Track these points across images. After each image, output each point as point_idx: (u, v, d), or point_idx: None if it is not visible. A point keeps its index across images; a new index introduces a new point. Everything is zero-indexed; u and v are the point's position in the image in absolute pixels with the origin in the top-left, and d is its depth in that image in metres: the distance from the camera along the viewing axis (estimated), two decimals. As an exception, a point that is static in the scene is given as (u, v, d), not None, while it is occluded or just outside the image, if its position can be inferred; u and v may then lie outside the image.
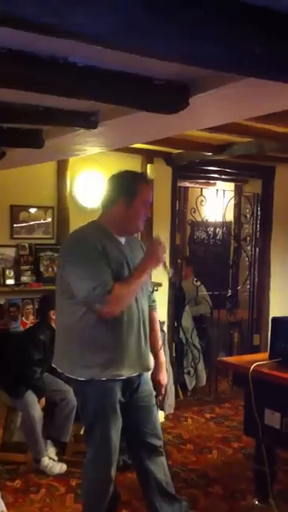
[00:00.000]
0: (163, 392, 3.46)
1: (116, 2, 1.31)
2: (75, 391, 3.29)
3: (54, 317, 4.58)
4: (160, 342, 3.48)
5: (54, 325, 4.65)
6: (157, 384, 3.40)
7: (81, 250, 3.02)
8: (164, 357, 3.45)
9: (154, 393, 3.38)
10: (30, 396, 4.57)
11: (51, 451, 4.64)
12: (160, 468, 3.40)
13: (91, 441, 3.17)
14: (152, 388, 3.35)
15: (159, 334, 3.50)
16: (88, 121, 2.71)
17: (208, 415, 6.02)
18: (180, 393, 6.34)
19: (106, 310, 2.90)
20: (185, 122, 2.78)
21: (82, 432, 4.90)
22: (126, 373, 3.08)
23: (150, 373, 3.33)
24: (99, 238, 3.04)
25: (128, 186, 3.08)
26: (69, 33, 1.31)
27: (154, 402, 3.36)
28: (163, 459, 3.46)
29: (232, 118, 3.02)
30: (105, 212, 3.20)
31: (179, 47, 1.42)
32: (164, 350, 3.34)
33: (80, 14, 1.28)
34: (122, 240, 3.16)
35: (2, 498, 3.69)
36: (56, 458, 4.62)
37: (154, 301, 3.48)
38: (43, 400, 4.64)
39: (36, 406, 4.54)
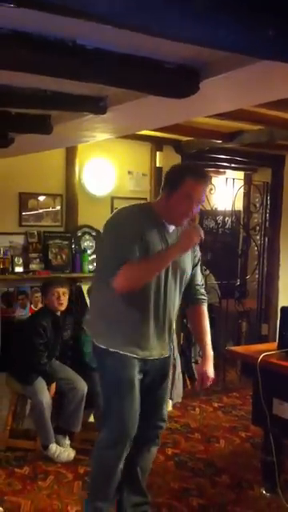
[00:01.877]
0: (208, 384, 3.41)
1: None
2: (96, 360, 3.28)
3: (46, 302, 4.81)
4: (208, 336, 3.43)
5: (60, 308, 4.80)
6: (203, 376, 3.36)
7: (119, 224, 3.07)
8: (211, 351, 3.39)
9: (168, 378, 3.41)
10: (40, 383, 4.60)
11: (64, 443, 4.65)
12: (148, 458, 3.47)
13: (108, 414, 3.19)
14: (168, 372, 3.37)
15: (207, 328, 3.45)
16: (97, 106, 2.67)
17: (216, 404, 6.02)
18: (188, 382, 6.33)
19: (114, 285, 2.94)
20: (195, 108, 2.75)
21: (90, 419, 4.96)
22: (141, 354, 3.11)
23: (169, 357, 3.33)
24: (142, 219, 3.06)
25: (172, 179, 3.07)
26: (76, 11, 1.28)
27: (167, 385, 3.40)
28: (155, 450, 3.52)
29: (243, 103, 2.98)
30: (158, 198, 3.21)
31: (191, 28, 1.38)
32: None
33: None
34: (171, 228, 3.14)
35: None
36: (73, 453, 4.61)
37: (202, 294, 3.46)
38: (53, 386, 4.66)
39: (45, 392, 4.56)
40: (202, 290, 3.46)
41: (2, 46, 1.80)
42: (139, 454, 3.37)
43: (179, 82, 2.18)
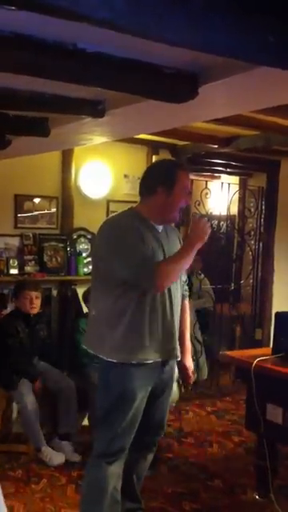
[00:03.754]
0: (191, 375, 3.48)
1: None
2: (100, 372, 3.24)
3: (15, 304, 4.86)
4: (188, 330, 3.48)
5: (32, 312, 4.81)
6: (183, 369, 3.43)
7: (120, 234, 3.03)
8: (190, 345, 3.48)
9: (174, 382, 3.41)
10: (23, 385, 4.60)
11: (66, 449, 4.63)
12: (145, 465, 3.47)
13: (105, 427, 3.12)
14: (172, 378, 3.35)
15: (188, 321, 3.50)
16: (95, 109, 2.67)
17: (209, 409, 6.02)
18: (182, 387, 6.31)
19: (158, 283, 2.93)
20: (193, 112, 2.75)
21: (84, 422, 4.95)
22: (152, 357, 3.08)
23: (174, 362, 3.32)
24: (135, 225, 3.05)
25: (167, 175, 3.07)
26: (78, 16, 1.28)
27: (170, 392, 3.38)
28: (151, 457, 3.51)
29: (242, 108, 2.99)
30: (143, 201, 3.18)
31: (191, 33, 1.39)
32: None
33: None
34: (159, 228, 3.16)
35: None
36: (77, 457, 4.59)
37: (186, 290, 3.49)
38: (38, 383, 4.64)
39: (30, 396, 4.55)
40: (186, 286, 3.48)
41: (3, 49, 1.79)
42: (136, 461, 3.36)
43: (178, 86, 2.18)
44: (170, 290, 3.13)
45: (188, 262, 3.05)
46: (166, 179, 3.05)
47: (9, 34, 1.81)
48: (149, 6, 1.32)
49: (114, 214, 3.25)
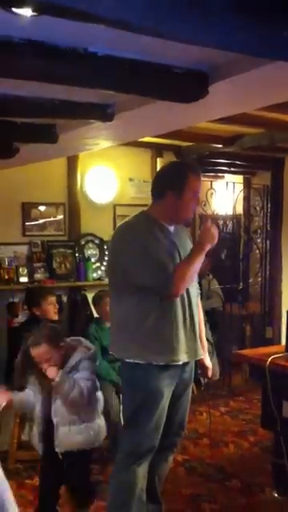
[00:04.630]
0: (209, 374, 3.49)
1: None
2: (124, 376, 3.25)
3: (37, 313, 4.62)
4: (203, 327, 3.48)
5: (55, 317, 4.70)
6: (202, 367, 3.43)
7: (137, 240, 3.03)
8: (206, 342, 3.50)
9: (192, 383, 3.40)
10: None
11: None
12: (166, 466, 3.46)
13: (133, 428, 3.12)
14: (191, 378, 3.35)
15: (202, 320, 3.49)
16: (104, 113, 2.68)
17: (223, 409, 5.99)
18: (194, 387, 6.31)
19: (174, 290, 2.96)
20: (203, 111, 2.75)
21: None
22: (181, 358, 3.10)
23: (193, 362, 3.31)
24: (150, 228, 3.07)
25: (177, 178, 3.07)
26: (96, 17, 1.29)
27: (190, 392, 3.38)
28: (172, 458, 3.52)
29: (251, 105, 2.98)
30: (154, 203, 3.19)
31: (207, 32, 1.39)
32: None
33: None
34: (171, 229, 3.17)
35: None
36: None
37: (197, 288, 3.48)
38: None
39: None
40: (196, 284, 3.48)
41: (16, 56, 1.80)
42: (158, 463, 3.34)
43: (188, 86, 2.19)
44: (188, 291, 3.15)
45: (199, 264, 3.08)
46: (175, 182, 3.06)
47: (20, 41, 1.82)
48: (165, 6, 1.33)
49: (127, 219, 3.24)
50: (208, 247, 3.06)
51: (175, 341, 3.06)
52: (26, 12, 1.37)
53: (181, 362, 3.09)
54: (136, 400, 3.08)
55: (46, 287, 5.02)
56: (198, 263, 3.06)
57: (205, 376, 3.51)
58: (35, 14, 1.32)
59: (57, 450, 3.34)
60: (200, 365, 3.45)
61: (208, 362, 3.47)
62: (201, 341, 3.41)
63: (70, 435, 3.32)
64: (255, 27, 1.44)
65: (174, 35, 1.37)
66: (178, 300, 3.08)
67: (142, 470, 3.15)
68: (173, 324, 3.06)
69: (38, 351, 3.29)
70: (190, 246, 3.26)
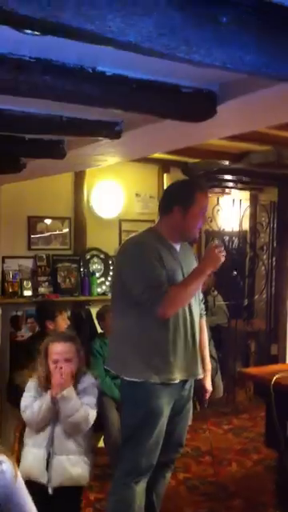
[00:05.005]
0: (207, 397, 3.51)
1: (152, 8, 1.29)
2: (123, 393, 3.26)
3: (51, 326, 4.59)
4: (207, 349, 3.50)
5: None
6: (202, 389, 3.45)
7: (139, 254, 3.07)
8: (210, 365, 3.50)
9: (191, 401, 3.41)
10: None
11: None
12: (163, 483, 3.45)
13: (132, 446, 3.11)
14: (191, 395, 3.36)
15: (206, 341, 3.52)
16: (112, 131, 2.68)
17: (226, 427, 5.96)
18: (197, 405, 6.27)
19: (160, 311, 2.95)
20: (211, 130, 2.75)
21: (100, 444, 4.91)
22: (178, 376, 3.10)
23: (192, 380, 3.33)
24: (155, 245, 3.09)
25: (184, 196, 3.11)
26: (104, 39, 1.29)
27: (190, 409, 3.39)
28: (170, 475, 3.52)
29: (260, 124, 2.98)
30: (161, 220, 3.24)
31: (219, 53, 1.39)
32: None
33: (117, 20, 1.26)
34: (177, 247, 3.20)
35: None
36: None
37: (202, 309, 3.51)
38: None
39: None
40: (202, 305, 3.51)
41: (24, 73, 1.81)
42: (155, 480, 3.33)
43: (196, 106, 2.19)
44: (190, 308, 3.15)
45: (197, 288, 3.11)
46: (182, 199, 3.10)
47: (30, 59, 1.82)
48: (175, 27, 1.32)
49: (134, 234, 3.30)
50: (209, 272, 3.08)
51: (173, 359, 3.07)
52: (35, 32, 1.38)
53: (177, 381, 3.10)
54: (136, 418, 3.08)
55: (60, 303, 5.02)
56: (196, 287, 3.07)
57: (200, 400, 3.48)
58: (43, 34, 1.32)
59: (48, 484, 2.98)
60: (199, 387, 3.43)
61: (208, 385, 3.48)
62: (204, 362, 3.41)
63: (67, 466, 3.03)
64: (266, 48, 1.43)
65: (186, 59, 1.37)
66: (180, 317, 3.09)
67: (141, 488, 3.14)
68: (171, 342, 3.07)
69: (64, 347, 3.08)
70: (195, 265, 3.29)
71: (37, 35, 1.44)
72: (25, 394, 3.15)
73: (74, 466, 3.03)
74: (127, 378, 3.08)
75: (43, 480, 2.98)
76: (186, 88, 2.14)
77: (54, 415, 3.03)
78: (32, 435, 3.10)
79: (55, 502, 2.99)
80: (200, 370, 3.29)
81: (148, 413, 3.04)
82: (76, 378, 3.08)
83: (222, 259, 3.04)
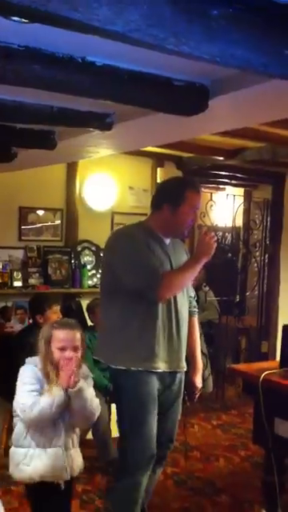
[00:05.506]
0: (197, 394, 3.52)
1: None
2: (114, 383, 3.28)
3: (41, 321, 4.51)
4: (199, 347, 3.53)
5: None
6: (191, 386, 3.44)
7: (128, 244, 3.10)
8: (201, 363, 3.53)
9: (181, 396, 3.39)
10: None
11: None
12: (154, 479, 3.43)
13: (133, 436, 3.10)
14: (181, 390, 3.36)
15: (198, 339, 3.54)
16: (103, 122, 2.67)
17: (215, 422, 5.96)
18: (186, 399, 6.27)
19: (158, 294, 2.97)
20: (203, 125, 2.74)
21: (88, 436, 4.90)
22: (161, 366, 3.11)
23: (182, 375, 3.33)
24: (144, 236, 3.11)
25: (173, 194, 3.12)
26: (91, 28, 1.27)
27: (179, 403, 3.38)
28: (160, 471, 3.51)
29: (251, 121, 2.98)
30: (152, 215, 3.25)
31: (208, 47, 1.37)
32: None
33: (103, 9, 1.24)
34: (167, 241, 3.22)
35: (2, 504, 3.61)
36: None
37: (194, 306, 3.53)
38: None
39: None
40: (194, 302, 3.53)
41: (13, 62, 1.78)
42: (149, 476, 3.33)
43: (188, 99, 2.17)
44: (176, 302, 3.17)
45: (192, 276, 3.13)
46: (172, 197, 3.10)
47: (18, 48, 1.80)
48: (165, 19, 1.31)
49: (122, 227, 3.30)
50: (204, 261, 3.08)
51: (156, 349, 3.08)
52: (22, 20, 1.35)
53: (161, 370, 3.10)
54: (131, 405, 3.08)
55: (53, 295, 4.99)
56: (190, 275, 3.10)
57: (190, 396, 3.48)
58: (30, 22, 1.30)
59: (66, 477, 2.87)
60: (189, 383, 3.43)
61: (198, 383, 3.49)
62: (195, 361, 3.41)
63: (76, 458, 2.93)
64: (255, 44, 1.42)
65: (174, 51, 1.35)
66: (164, 310, 3.10)
67: (145, 480, 3.14)
68: (155, 332, 3.08)
69: (72, 334, 2.83)
70: (185, 259, 3.29)
71: (25, 23, 1.42)
72: (23, 389, 2.88)
73: (78, 457, 2.98)
74: (113, 367, 3.11)
75: (66, 477, 2.86)
76: (178, 81, 2.12)
77: (64, 409, 2.82)
78: (37, 435, 2.85)
79: (62, 494, 2.94)
80: (184, 364, 3.28)
81: (141, 400, 3.05)
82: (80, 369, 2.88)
83: (214, 245, 3.05)
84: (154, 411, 3.09)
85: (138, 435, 3.09)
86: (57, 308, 4.63)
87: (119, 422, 3.24)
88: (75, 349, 2.81)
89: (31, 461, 2.83)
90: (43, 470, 2.80)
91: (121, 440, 3.26)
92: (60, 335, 2.84)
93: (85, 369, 2.96)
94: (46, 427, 2.83)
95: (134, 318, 3.06)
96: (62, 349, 2.81)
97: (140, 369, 3.04)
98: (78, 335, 2.87)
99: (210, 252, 3.06)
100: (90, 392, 2.83)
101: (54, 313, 4.59)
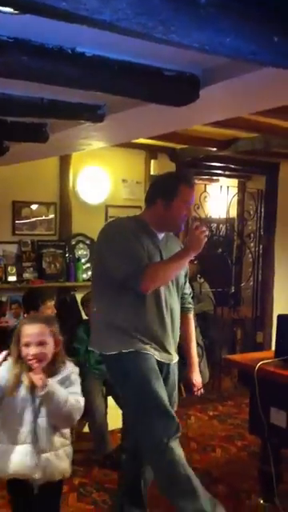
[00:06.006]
0: (196, 391, 3.56)
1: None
2: (111, 371, 3.27)
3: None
4: (194, 344, 3.56)
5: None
6: (191, 384, 3.52)
7: (116, 234, 3.14)
8: (197, 359, 3.58)
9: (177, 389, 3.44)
10: None
11: None
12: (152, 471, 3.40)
13: (149, 416, 3.06)
14: (176, 383, 3.38)
15: (194, 335, 3.58)
16: (94, 114, 2.66)
17: (211, 413, 5.99)
18: (183, 390, 6.28)
19: (142, 285, 2.98)
20: (194, 115, 2.74)
21: (85, 429, 4.92)
22: (150, 352, 3.12)
23: (175, 366, 3.34)
24: (135, 229, 3.14)
25: (167, 189, 3.15)
26: (79, 17, 1.26)
27: (175, 396, 3.40)
28: None
29: (243, 110, 2.98)
30: (146, 210, 3.29)
31: (196, 35, 1.36)
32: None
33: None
34: (160, 236, 3.25)
35: None
36: None
37: (190, 303, 3.56)
38: None
39: None
40: (190, 299, 3.57)
41: (3, 53, 1.77)
42: (143, 466, 3.34)
43: (179, 89, 2.17)
44: (166, 299, 3.20)
45: (178, 268, 3.14)
46: (165, 192, 3.14)
47: (7, 39, 1.79)
48: (153, 7, 1.30)
49: (114, 219, 3.35)
50: (193, 253, 3.09)
51: (146, 339, 3.11)
52: (10, 10, 1.34)
53: (150, 353, 3.10)
54: (136, 387, 3.06)
55: (47, 290, 4.98)
56: (176, 267, 3.11)
57: (192, 393, 3.50)
58: (16, 12, 1.29)
59: (34, 483, 2.73)
60: (188, 382, 3.45)
61: (196, 380, 3.54)
62: (191, 357, 3.44)
63: (54, 463, 2.76)
64: (244, 32, 1.41)
65: (162, 39, 1.34)
66: (153, 301, 3.13)
67: (175, 443, 3.07)
68: (146, 323, 3.11)
69: (36, 329, 2.72)
70: None
71: (14, 14, 1.41)
72: None
73: (60, 461, 2.78)
74: (106, 353, 3.14)
75: (34, 476, 2.71)
76: (169, 71, 2.11)
77: (35, 409, 2.72)
78: (6, 430, 2.75)
79: (39, 497, 2.79)
80: (174, 356, 3.30)
81: (143, 378, 3.04)
82: (55, 366, 2.77)
83: (205, 239, 3.05)
84: (161, 385, 3.06)
85: (150, 411, 3.03)
86: (51, 303, 4.63)
87: (127, 406, 3.24)
88: (41, 343, 2.70)
89: (2, 456, 2.74)
90: (11, 467, 2.70)
91: (135, 424, 3.21)
92: (25, 331, 2.74)
93: (68, 366, 2.83)
94: (11, 423, 2.73)
95: (122, 308, 3.08)
96: (27, 345, 2.71)
97: (131, 349, 3.06)
98: (45, 329, 2.74)
99: (200, 246, 3.06)
100: (63, 393, 2.68)
101: (48, 308, 4.58)
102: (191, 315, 3.55)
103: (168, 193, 3.12)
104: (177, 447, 3.07)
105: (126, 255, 3.03)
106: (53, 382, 2.67)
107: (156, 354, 3.15)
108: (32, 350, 2.68)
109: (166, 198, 3.12)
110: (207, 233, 3.10)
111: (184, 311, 3.49)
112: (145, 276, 2.97)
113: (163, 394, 3.06)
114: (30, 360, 2.67)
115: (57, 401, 2.65)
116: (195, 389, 3.52)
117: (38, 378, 2.62)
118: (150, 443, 3.09)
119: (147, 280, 2.98)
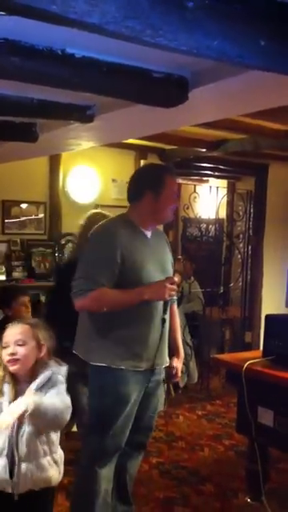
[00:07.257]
0: (178, 376, 3.49)
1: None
2: (91, 379, 3.20)
3: (9, 314, 4.43)
4: (179, 333, 3.53)
5: (23, 317, 4.62)
6: (170, 367, 3.40)
7: (98, 244, 3.06)
8: (182, 348, 3.53)
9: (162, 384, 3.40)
10: None
11: None
12: (135, 465, 3.47)
13: (98, 429, 3.10)
14: (161, 380, 3.35)
15: (178, 325, 3.55)
16: (84, 114, 2.67)
17: (200, 412, 6.01)
18: (172, 390, 6.31)
19: (77, 303, 2.94)
20: (183, 117, 2.75)
21: (73, 429, 4.92)
22: (144, 365, 3.09)
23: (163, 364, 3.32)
24: (126, 236, 3.03)
25: (154, 180, 3.09)
26: (68, 20, 1.27)
27: (161, 392, 3.38)
28: (141, 457, 3.53)
29: (232, 112, 3.00)
30: (132, 207, 3.19)
31: (185, 39, 1.38)
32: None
33: (80, 1, 1.24)
34: (148, 234, 3.18)
35: None
36: None
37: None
38: None
39: None
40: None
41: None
42: (128, 461, 3.36)
43: (168, 91, 2.18)
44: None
45: (125, 306, 2.99)
46: (153, 183, 3.07)
47: (-1, 40, 1.80)
48: (141, 10, 1.31)
49: (105, 221, 3.27)
50: (147, 299, 2.99)
51: (138, 350, 3.06)
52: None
53: (143, 369, 3.08)
54: (104, 403, 3.07)
55: (20, 287, 4.97)
56: (125, 302, 2.99)
57: (170, 377, 3.48)
58: (7, 14, 1.30)
59: (13, 491, 2.54)
60: (168, 367, 3.44)
61: (175, 362, 3.43)
62: (176, 347, 3.44)
63: (36, 472, 2.56)
64: (231, 35, 1.43)
65: (151, 42, 1.36)
66: (147, 307, 3.05)
67: (107, 472, 3.15)
68: (138, 333, 3.06)
69: (16, 329, 2.58)
70: (167, 251, 3.32)
71: (2, 15, 1.42)
72: None
73: (44, 471, 2.59)
74: (92, 363, 3.07)
75: (7, 489, 2.54)
76: (158, 73, 2.13)
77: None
78: None
79: (21, 504, 2.58)
80: (166, 360, 3.29)
81: (115, 399, 3.03)
82: (37, 370, 2.61)
83: (167, 297, 2.99)
84: (126, 412, 3.06)
85: (104, 431, 3.07)
86: (24, 299, 4.57)
87: (90, 412, 3.23)
88: (19, 343, 2.55)
89: None
90: None
91: (87, 431, 3.26)
92: (6, 332, 2.61)
93: (50, 366, 2.65)
94: None
95: (116, 317, 3.00)
96: (5, 347, 2.57)
97: (122, 367, 3.01)
98: (28, 330, 2.60)
99: (158, 297, 3.01)
100: (48, 403, 2.49)
101: (21, 305, 4.54)
102: (175, 306, 3.51)
103: (156, 184, 3.05)
104: (105, 476, 3.13)
105: (93, 265, 2.95)
106: (37, 398, 2.48)
107: (147, 365, 3.10)
108: (9, 350, 2.55)
109: (155, 190, 3.04)
110: (174, 293, 3.08)
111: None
112: (89, 294, 2.89)
113: (124, 426, 3.08)
114: (8, 361, 2.54)
115: (43, 414, 2.47)
116: (174, 372, 3.46)
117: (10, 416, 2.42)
118: (87, 452, 3.21)
119: (88, 299, 2.91)
